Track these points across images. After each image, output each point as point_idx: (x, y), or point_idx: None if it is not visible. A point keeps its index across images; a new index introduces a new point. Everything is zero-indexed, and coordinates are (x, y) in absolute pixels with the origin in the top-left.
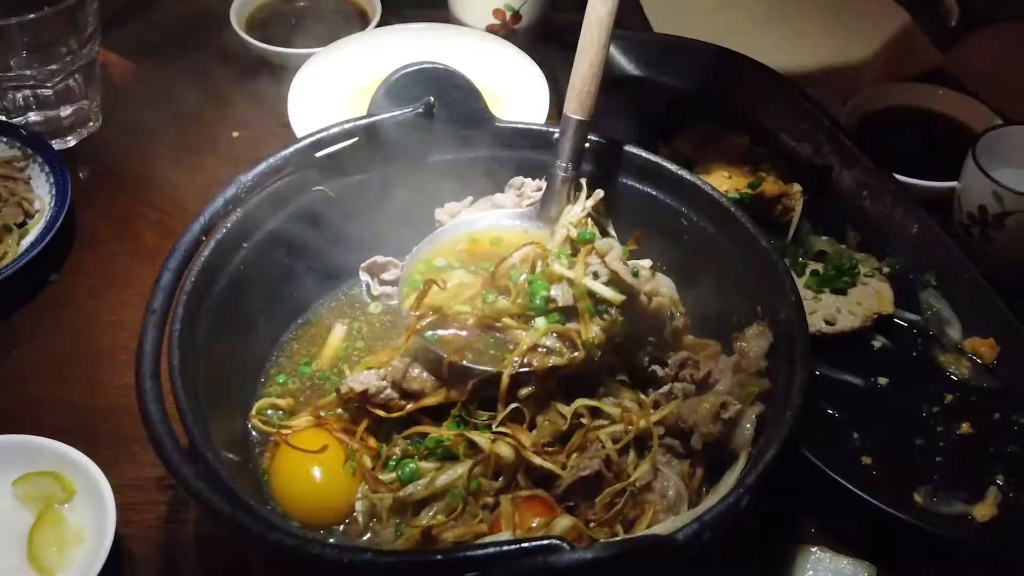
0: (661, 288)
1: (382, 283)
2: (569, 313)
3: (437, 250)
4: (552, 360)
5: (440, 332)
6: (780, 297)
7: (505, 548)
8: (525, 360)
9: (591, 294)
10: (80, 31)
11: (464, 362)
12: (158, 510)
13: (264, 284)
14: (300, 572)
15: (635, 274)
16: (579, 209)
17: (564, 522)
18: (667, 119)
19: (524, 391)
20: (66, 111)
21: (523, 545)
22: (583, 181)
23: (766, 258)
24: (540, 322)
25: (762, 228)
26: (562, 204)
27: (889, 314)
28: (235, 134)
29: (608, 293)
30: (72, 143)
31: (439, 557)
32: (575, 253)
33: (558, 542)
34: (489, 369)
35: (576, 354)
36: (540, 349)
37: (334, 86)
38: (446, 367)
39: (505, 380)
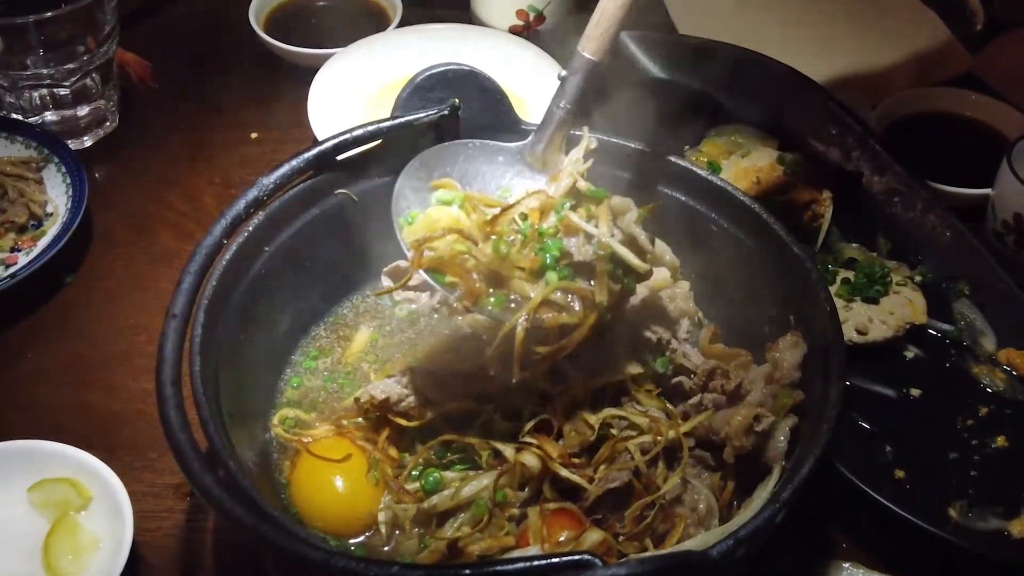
0: (676, 291)
1: (405, 288)
2: (582, 270)
3: (433, 183)
4: (564, 318)
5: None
6: (814, 306)
7: (536, 563)
8: (536, 315)
9: (613, 257)
10: (97, 29)
11: (474, 309)
12: (176, 518)
13: (285, 288)
14: None
15: (651, 242)
16: (581, 155)
17: (594, 536)
18: (694, 123)
19: (540, 349)
20: (83, 111)
21: (554, 560)
22: (586, 130)
23: (799, 266)
24: (552, 276)
25: (795, 235)
26: (555, 147)
27: (922, 324)
28: (254, 135)
29: (635, 261)
30: (89, 143)
31: (468, 572)
32: (576, 207)
33: (590, 558)
34: (499, 317)
35: (589, 315)
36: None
37: (354, 87)
38: (458, 308)
39: (520, 334)
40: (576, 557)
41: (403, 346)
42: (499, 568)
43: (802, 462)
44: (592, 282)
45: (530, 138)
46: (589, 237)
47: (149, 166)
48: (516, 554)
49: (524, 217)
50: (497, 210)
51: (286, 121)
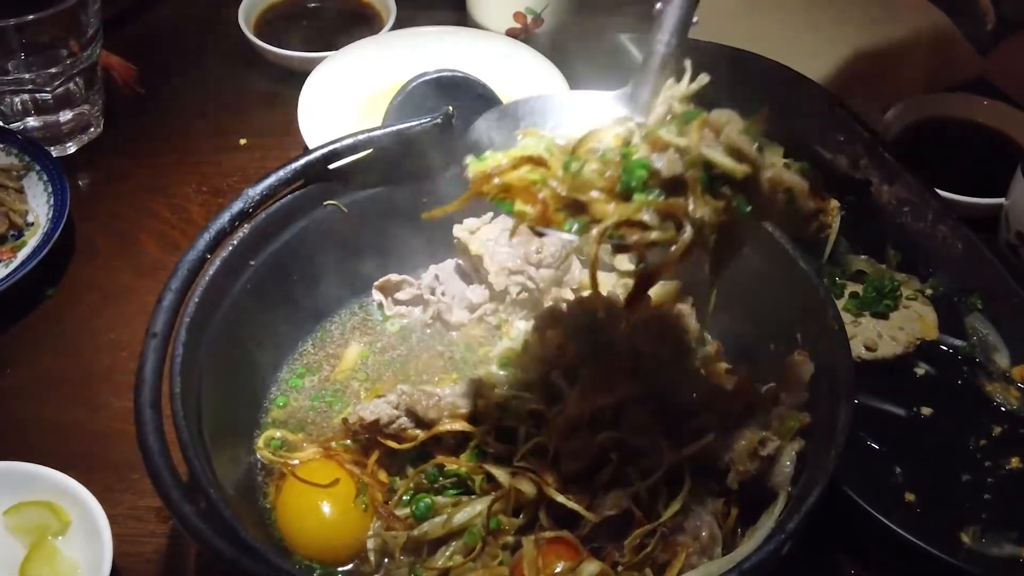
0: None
1: (396, 303)
2: (675, 189)
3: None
4: (654, 235)
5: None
6: (822, 324)
7: None
8: (619, 233)
9: (707, 165)
10: (81, 32)
11: (547, 230)
12: (157, 542)
13: (272, 303)
14: None
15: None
16: (683, 87)
17: (591, 568)
18: None
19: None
20: (66, 116)
21: None
22: (687, 63)
23: (806, 281)
24: (638, 196)
25: (801, 248)
26: (659, 89)
27: (933, 339)
28: (243, 141)
29: (728, 162)
30: (72, 150)
31: None
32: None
33: None
34: (571, 237)
35: (683, 234)
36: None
37: (346, 92)
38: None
39: (594, 248)
40: None
41: (394, 363)
42: None
43: (809, 489)
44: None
45: (629, 84)
46: (681, 152)
47: (134, 173)
48: None
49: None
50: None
51: (276, 127)
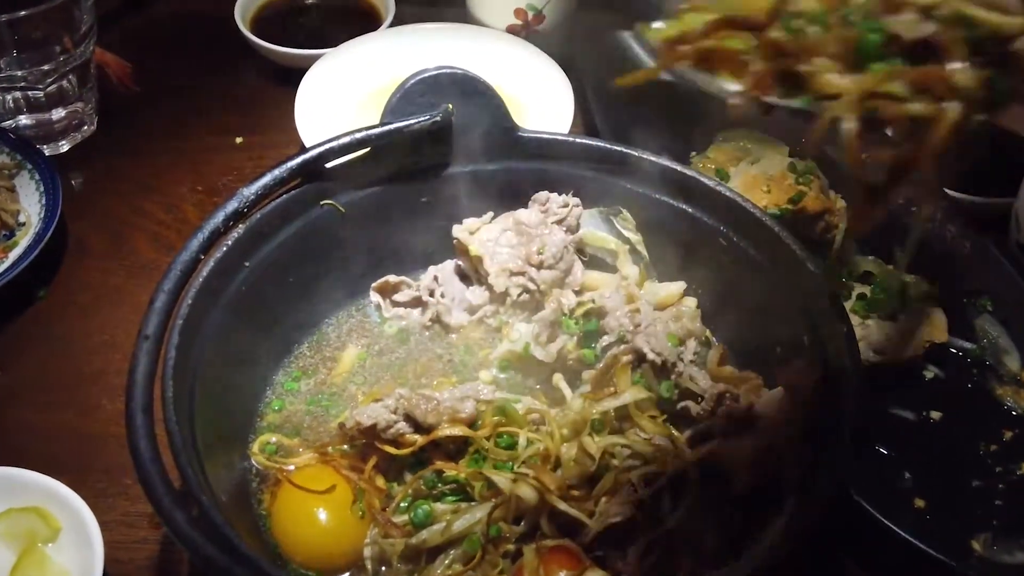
0: (683, 309)
1: (395, 304)
2: (919, 57)
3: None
4: (915, 107)
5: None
6: (830, 327)
7: None
8: (872, 105)
9: (966, 22)
10: (74, 29)
11: (773, 100)
12: (150, 549)
13: (267, 305)
14: None
15: None
16: None
17: None
18: (701, 129)
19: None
20: (59, 114)
21: None
22: None
23: (814, 283)
24: (878, 65)
25: (808, 249)
26: None
27: (942, 342)
28: (239, 140)
29: (996, 18)
30: (65, 148)
31: None
32: None
33: None
34: (799, 105)
35: (950, 109)
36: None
37: (344, 90)
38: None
39: (853, 117)
40: None
41: (392, 366)
42: None
43: (815, 495)
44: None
45: None
46: (925, 9)
47: (128, 173)
48: None
49: None
50: None
51: (273, 125)
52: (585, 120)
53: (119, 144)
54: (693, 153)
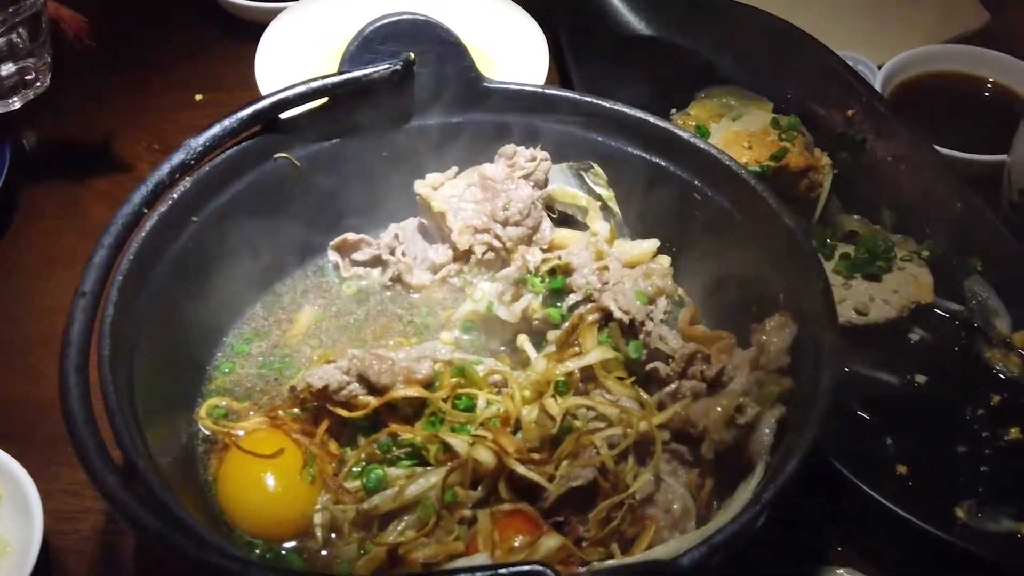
0: (653, 266)
1: (354, 263)
2: None
3: None
4: None
5: None
6: (806, 284)
7: (479, 575)
8: None
9: None
10: None
11: None
12: (94, 519)
13: (216, 263)
14: None
15: None
16: None
17: (550, 542)
18: (682, 85)
19: None
20: (8, 69)
21: (500, 572)
22: None
23: (791, 239)
24: None
25: (787, 205)
26: None
27: (929, 303)
28: (198, 97)
29: None
30: (16, 106)
31: None
32: None
33: (541, 568)
34: None
35: None
36: None
37: (307, 44)
38: None
39: None
40: (525, 568)
41: (350, 328)
42: None
43: (788, 459)
44: None
45: None
46: None
47: (82, 131)
48: (461, 563)
49: None
50: None
51: (234, 82)
52: (561, 77)
53: (74, 101)
54: (673, 110)
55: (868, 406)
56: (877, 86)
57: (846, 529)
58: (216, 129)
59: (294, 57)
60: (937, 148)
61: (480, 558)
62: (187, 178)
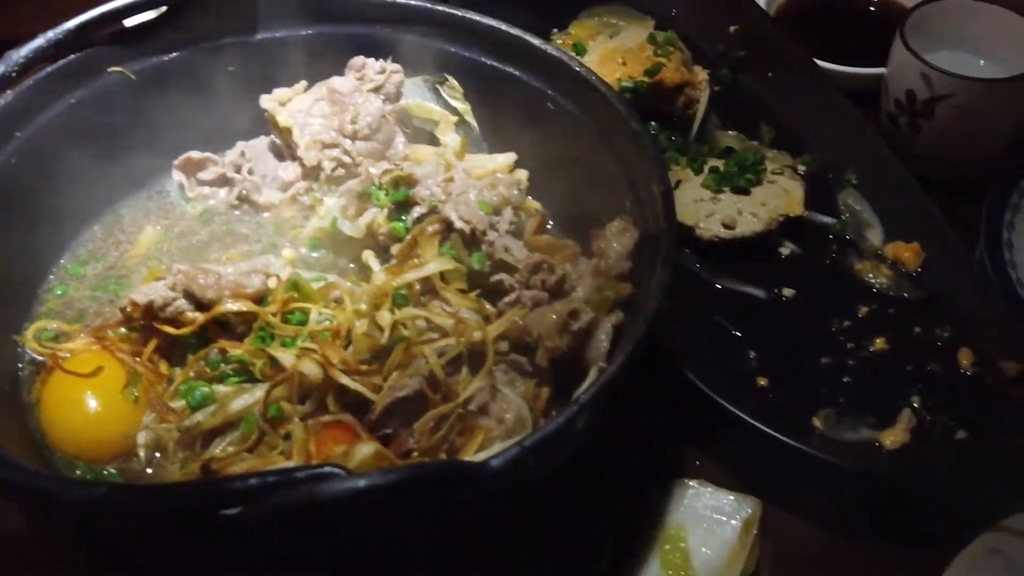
0: (499, 176)
1: (200, 183)
2: None
3: None
4: None
5: None
6: (648, 186)
7: (270, 479)
8: None
9: None
10: None
11: None
12: None
13: (47, 183)
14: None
15: None
16: None
17: (365, 450)
18: (566, 5)
19: None
20: None
21: (291, 475)
22: None
23: (635, 141)
24: None
25: (635, 109)
26: None
27: (799, 216)
28: None
29: None
30: None
31: (186, 491)
32: None
33: (331, 469)
34: None
35: None
36: None
37: None
38: None
39: None
40: (316, 470)
41: (193, 249)
42: (222, 487)
43: (613, 360)
44: None
45: None
46: None
47: None
48: (251, 470)
49: None
50: None
51: None
52: None
53: None
54: (555, 30)
55: (734, 320)
56: (762, 3)
57: (706, 443)
58: (40, 40)
59: None
60: (817, 62)
61: (284, 466)
62: (8, 91)
